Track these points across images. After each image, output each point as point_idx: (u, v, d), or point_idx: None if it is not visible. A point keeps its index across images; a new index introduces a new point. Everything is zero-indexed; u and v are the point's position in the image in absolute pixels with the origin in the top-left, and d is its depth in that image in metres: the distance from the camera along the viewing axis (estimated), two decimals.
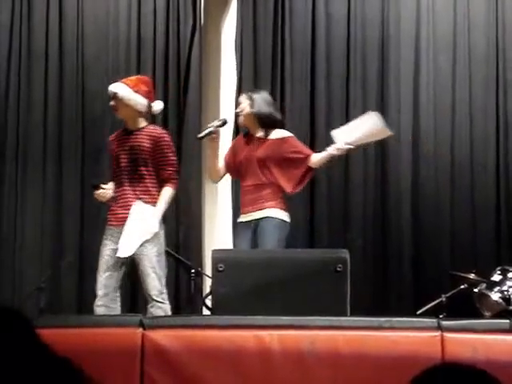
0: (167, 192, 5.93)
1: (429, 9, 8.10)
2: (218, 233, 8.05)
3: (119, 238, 5.83)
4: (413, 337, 4.46)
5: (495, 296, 6.40)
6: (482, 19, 8.08)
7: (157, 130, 6.06)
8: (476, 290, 6.56)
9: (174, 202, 7.98)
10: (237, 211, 7.91)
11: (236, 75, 8.12)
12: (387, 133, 6.11)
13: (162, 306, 5.80)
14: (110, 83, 8.05)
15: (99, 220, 7.93)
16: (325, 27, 8.11)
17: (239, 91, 8.07)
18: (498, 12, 8.05)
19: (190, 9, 8.13)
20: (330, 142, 8.00)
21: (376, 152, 8.00)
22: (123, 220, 5.86)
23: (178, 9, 8.14)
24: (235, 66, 8.13)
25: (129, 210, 5.87)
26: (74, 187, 7.95)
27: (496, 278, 6.49)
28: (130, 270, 6.00)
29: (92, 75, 8.09)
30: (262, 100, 6.16)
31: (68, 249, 7.87)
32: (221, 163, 6.32)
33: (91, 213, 7.90)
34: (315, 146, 7.97)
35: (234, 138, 7.99)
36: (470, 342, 4.42)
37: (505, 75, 8.00)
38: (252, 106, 6.13)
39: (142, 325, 4.49)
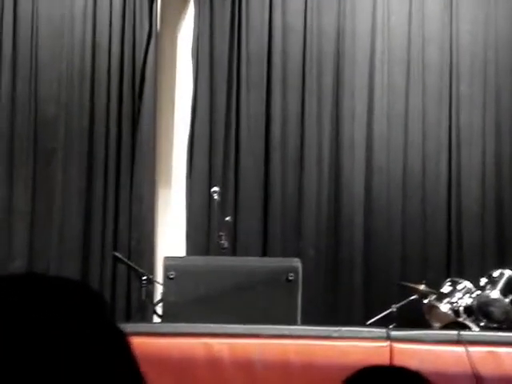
0: None
1: (384, 23, 8.16)
2: (170, 240, 8.02)
3: None
4: (362, 347, 4.48)
5: (444, 307, 6.44)
6: (436, 34, 8.16)
7: None
8: (426, 301, 6.60)
9: (127, 209, 7.96)
10: (191, 219, 7.91)
11: (192, 82, 8.10)
12: None
13: None
14: (64, 89, 8.04)
15: (50, 224, 7.88)
16: (281, 36, 8.13)
17: (195, 98, 8.05)
18: (452, 27, 8.13)
19: (147, 14, 8.09)
20: (284, 150, 8.07)
21: (330, 163, 8.03)
22: None
23: (134, 14, 8.09)
24: (191, 73, 8.11)
25: None
26: (24, 191, 7.87)
27: (446, 289, 6.54)
28: None
29: (46, 81, 8.00)
30: None
31: (17, 253, 7.78)
32: None
33: (42, 217, 7.83)
34: (270, 153, 8.02)
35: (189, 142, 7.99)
36: (419, 352, 4.45)
37: (458, 89, 8.08)
38: None
39: None
